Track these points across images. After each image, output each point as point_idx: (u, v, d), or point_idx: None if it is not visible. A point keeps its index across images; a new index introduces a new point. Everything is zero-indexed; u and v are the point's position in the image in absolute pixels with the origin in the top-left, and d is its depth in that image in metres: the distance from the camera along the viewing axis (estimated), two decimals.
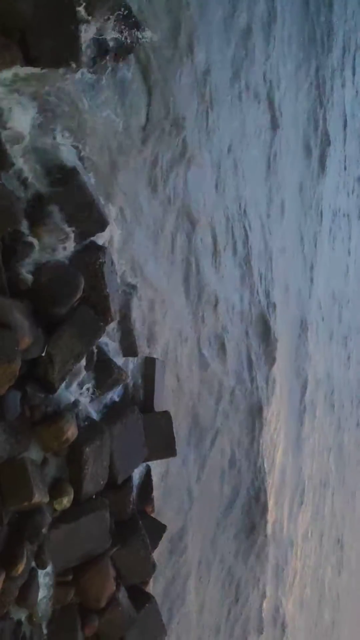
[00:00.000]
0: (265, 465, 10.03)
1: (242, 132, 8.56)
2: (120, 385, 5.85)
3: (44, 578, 5.07)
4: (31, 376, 4.69)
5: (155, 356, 6.56)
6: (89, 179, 5.16)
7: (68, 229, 4.77)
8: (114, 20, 4.92)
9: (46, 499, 4.70)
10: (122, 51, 5.28)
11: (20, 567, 4.54)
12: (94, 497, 5.38)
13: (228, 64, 8.03)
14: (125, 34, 5.13)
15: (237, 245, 8.70)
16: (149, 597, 6.16)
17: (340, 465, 15.56)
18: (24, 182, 4.60)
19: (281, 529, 11.30)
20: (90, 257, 4.90)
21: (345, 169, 14.23)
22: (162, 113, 6.43)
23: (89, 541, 5.28)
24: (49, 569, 5.03)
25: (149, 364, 6.37)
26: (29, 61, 4.24)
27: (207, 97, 7.36)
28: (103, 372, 5.43)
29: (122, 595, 5.66)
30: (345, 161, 14.17)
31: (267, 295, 9.81)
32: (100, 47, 5.01)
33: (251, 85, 8.71)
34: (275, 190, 9.91)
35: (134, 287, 5.88)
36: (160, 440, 6.22)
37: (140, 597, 6.00)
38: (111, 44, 5.12)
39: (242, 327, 9.12)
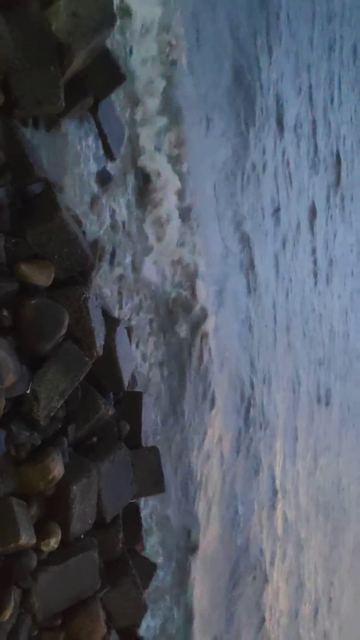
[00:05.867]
0: None
1: None
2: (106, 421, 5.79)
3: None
4: (16, 414, 4.63)
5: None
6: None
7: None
8: None
9: (33, 541, 4.58)
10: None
11: (8, 613, 4.40)
12: (82, 537, 5.26)
13: None
14: None
15: None
16: None
17: None
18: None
19: None
20: (74, 292, 4.92)
21: None
22: None
23: (78, 583, 5.14)
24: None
25: (135, 398, 6.32)
26: (11, 103, 4.33)
27: None
28: (88, 407, 5.38)
29: (113, 639, 5.49)
30: None
31: None
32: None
33: None
34: None
35: (117, 321, 5.88)
36: (149, 476, 6.14)
37: None
38: None
39: None
